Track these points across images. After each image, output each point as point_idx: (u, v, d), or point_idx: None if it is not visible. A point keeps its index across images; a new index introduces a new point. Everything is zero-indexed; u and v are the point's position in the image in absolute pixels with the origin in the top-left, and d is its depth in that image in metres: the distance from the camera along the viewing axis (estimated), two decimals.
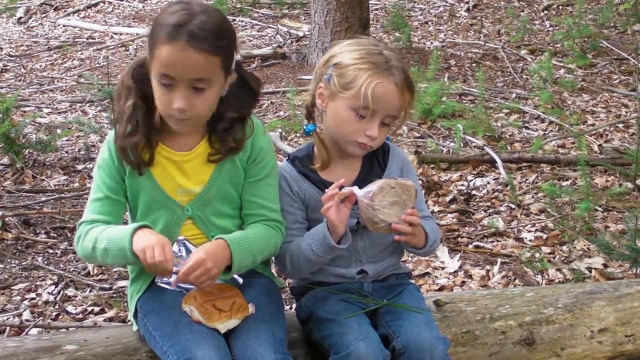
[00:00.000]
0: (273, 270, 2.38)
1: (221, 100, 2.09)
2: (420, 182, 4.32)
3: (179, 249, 2.09)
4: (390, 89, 2.09)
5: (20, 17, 9.75)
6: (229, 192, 2.16)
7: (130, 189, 2.14)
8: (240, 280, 2.17)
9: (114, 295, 3.43)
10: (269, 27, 8.87)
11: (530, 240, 3.94)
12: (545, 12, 9.06)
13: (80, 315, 3.30)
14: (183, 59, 1.95)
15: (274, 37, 8.42)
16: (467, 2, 9.52)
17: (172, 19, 1.97)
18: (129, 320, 2.35)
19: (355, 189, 2.08)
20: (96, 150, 5.26)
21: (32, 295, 3.47)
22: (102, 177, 2.13)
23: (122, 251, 2.00)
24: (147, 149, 2.10)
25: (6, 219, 4.11)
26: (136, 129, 2.07)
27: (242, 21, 9.09)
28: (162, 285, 2.11)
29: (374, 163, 2.25)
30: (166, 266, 1.95)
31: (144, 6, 10.14)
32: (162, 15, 2.00)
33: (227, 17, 2.15)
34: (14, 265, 3.73)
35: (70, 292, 3.49)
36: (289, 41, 8.24)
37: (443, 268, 3.68)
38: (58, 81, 7.18)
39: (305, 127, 2.24)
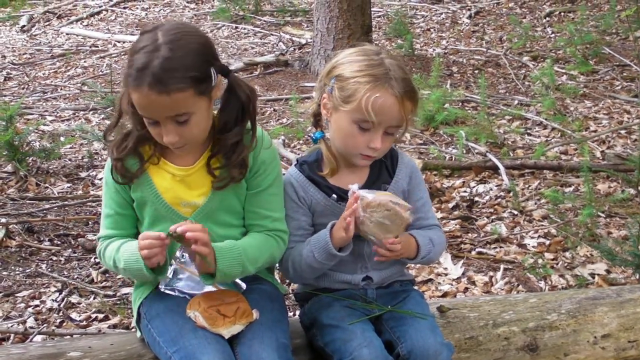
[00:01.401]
0: (277, 277, 2.38)
1: (223, 106, 2.10)
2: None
3: (182, 255, 2.11)
4: (391, 102, 2.08)
5: (24, 26, 9.79)
6: (232, 203, 2.16)
7: (137, 202, 2.16)
8: (244, 286, 2.18)
9: (118, 302, 3.43)
10: (272, 34, 8.90)
11: (533, 247, 3.94)
12: (547, 18, 9.07)
13: (85, 322, 3.30)
14: (151, 103, 1.94)
15: (277, 45, 8.44)
16: (469, 9, 9.54)
17: (137, 60, 1.93)
18: (133, 327, 2.35)
19: (359, 190, 2.08)
20: (99, 158, 5.27)
21: (36, 302, 3.48)
22: (109, 193, 2.18)
23: (140, 271, 2.06)
24: (137, 158, 2.12)
25: (10, 226, 4.12)
26: (124, 144, 2.11)
27: (244, 29, 9.12)
28: (166, 291, 2.13)
29: (383, 169, 2.24)
30: (160, 236, 1.98)
31: (146, 14, 10.18)
32: (132, 50, 1.97)
33: (201, 35, 2.04)
34: (18, 272, 3.74)
35: (74, 299, 3.50)
36: (292, 48, 8.26)
37: (446, 274, 3.68)
38: (61, 89, 7.20)
39: (312, 134, 2.25)
